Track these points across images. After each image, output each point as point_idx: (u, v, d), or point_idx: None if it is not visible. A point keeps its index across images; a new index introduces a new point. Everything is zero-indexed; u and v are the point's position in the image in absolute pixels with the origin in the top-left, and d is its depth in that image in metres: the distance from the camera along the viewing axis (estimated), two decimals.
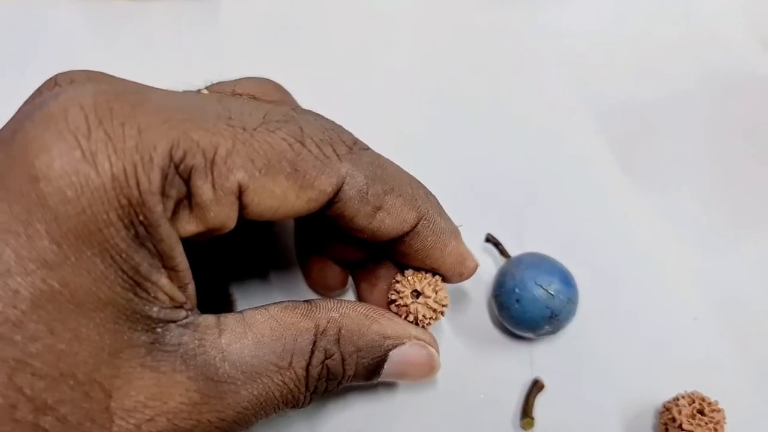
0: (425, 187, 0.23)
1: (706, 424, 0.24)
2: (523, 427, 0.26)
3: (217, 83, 0.24)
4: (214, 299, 0.27)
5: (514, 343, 0.28)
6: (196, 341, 0.19)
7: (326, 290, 0.27)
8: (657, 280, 0.29)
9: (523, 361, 0.28)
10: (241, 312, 0.21)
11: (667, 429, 0.25)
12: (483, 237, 0.29)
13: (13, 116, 0.19)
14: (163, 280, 0.18)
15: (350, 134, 0.22)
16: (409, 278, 0.24)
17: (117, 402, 0.17)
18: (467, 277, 0.24)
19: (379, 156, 0.22)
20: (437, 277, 0.24)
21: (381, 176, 0.21)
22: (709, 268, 0.30)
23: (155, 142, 0.17)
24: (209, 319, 0.20)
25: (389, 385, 0.27)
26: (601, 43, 0.36)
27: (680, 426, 0.24)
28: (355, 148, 0.21)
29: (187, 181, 0.18)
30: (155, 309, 0.18)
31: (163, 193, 0.17)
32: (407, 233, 0.22)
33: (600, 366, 0.28)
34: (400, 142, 0.24)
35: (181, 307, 0.19)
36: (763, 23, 0.36)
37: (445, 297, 0.24)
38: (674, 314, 0.29)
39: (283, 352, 0.20)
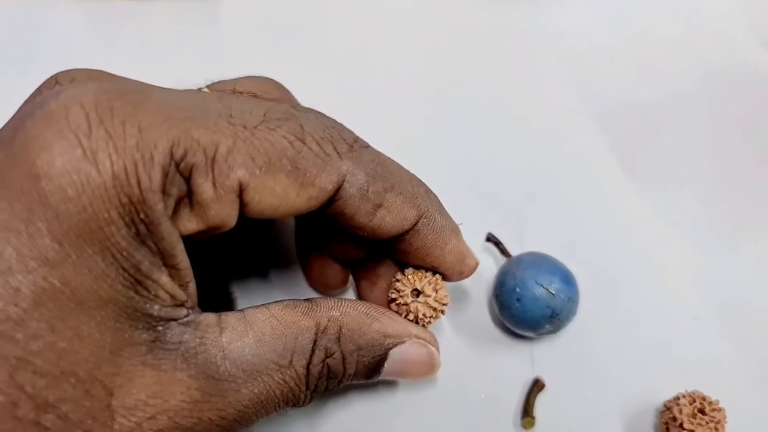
0: (425, 185, 0.23)
1: (707, 423, 0.24)
2: (524, 427, 0.26)
3: (218, 82, 0.24)
4: (215, 298, 0.27)
5: (515, 342, 0.28)
6: (197, 339, 0.19)
7: (327, 289, 0.28)
8: (657, 280, 0.29)
9: (523, 360, 0.28)
10: (242, 310, 0.21)
11: (667, 428, 0.25)
12: (483, 236, 0.29)
13: (14, 115, 0.19)
14: (164, 279, 0.18)
15: (351, 132, 0.22)
16: (409, 277, 0.24)
17: (118, 400, 0.17)
18: (467, 276, 0.24)
19: (379, 154, 0.22)
20: (437, 275, 0.24)
21: (381, 174, 0.21)
22: (709, 268, 0.30)
23: (156, 140, 0.17)
24: (210, 317, 0.20)
25: (390, 384, 0.27)
26: (601, 42, 0.36)
27: (681, 425, 0.24)
28: (355, 146, 0.21)
29: (187, 179, 0.18)
30: (156, 307, 0.18)
31: (164, 192, 0.17)
32: (407, 231, 0.22)
33: (601, 365, 0.28)
34: (400, 142, 0.24)
35: (182, 305, 0.19)
36: (762, 22, 0.36)
37: (445, 296, 0.24)
38: (674, 313, 0.29)
39: (284, 351, 0.20)
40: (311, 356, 0.21)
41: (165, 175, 0.17)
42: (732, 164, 0.32)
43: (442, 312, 0.24)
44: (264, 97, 0.22)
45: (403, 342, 0.22)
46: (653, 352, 0.28)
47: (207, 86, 0.24)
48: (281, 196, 0.19)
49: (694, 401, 0.25)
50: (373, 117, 0.25)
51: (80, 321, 0.17)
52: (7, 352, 0.16)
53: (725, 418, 0.25)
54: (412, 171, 0.23)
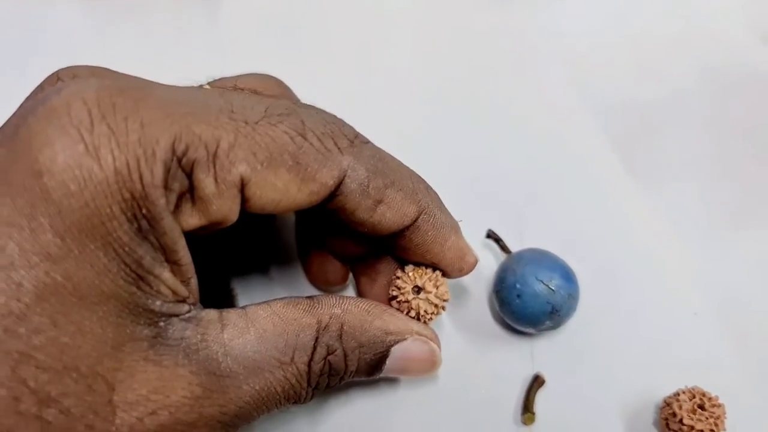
0: (425, 182, 0.23)
1: (707, 419, 0.24)
2: (524, 422, 0.26)
3: (219, 79, 0.24)
4: (215, 294, 0.27)
5: (515, 338, 0.28)
6: (198, 335, 0.19)
7: (327, 286, 0.28)
8: (657, 277, 0.29)
9: (524, 356, 0.28)
10: (243, 307, 0.21)
11: (667, 424, 0.25)
12: (483, 234, 0.29)
13: (16, 111, 0.19)
14: (166, 274, 0.18)
15: (351, 128, 0.22)
16: (409, 274, 0.24)
17: (120, 395, 0.18)
18: (467, 272, 0.24)
19: (380, 150, 0.22)
20: (437, 272, 0.24)
21: (382, 170, 0.21)
22: (709, 265, 0.30)
23: (158, 136, 0.17)
24: (212, 313, 0.20)
25: (391, 381, 0.27)
26: (601, 41, 0.36)
27: (681, 421, 0.25)
28: (356, 141, 0.21)
29: (189, 174, 0.18)
30: (158, 303, 0.18)
31: (166, 187, 0.17)
32: (408, 227, 0.22)
33: (601, 361, 0.28)
34: (400, 140, 0.24)
35: (183, 301, 0.19)
36: (762, 21, 0.36)
37: (446, 292, 0.24)
38: (674, 310, 0.29)
39: (286, 348, 0.20)
40: (313, 353, 0.21)
41: (167, 171, 0.17)
42: (732, 162, 0.32)
43: (443, 308, 0.24)
44: (265, 94, 0.22)
45: (405, 339, 0.22)
46: (653, 349, 0.28)
47: (208, 83, 0.24)
48: (282, 191, 0.19)
49: (694, 397, 0.25)
50: (373, 115, 0.25)
51: (82, 316, 0.17)
52: (9, 347, 0.16)
53: (725, 413, 0.25)
54: (412, 168, 0.23)
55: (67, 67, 0.20)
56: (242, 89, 0.23)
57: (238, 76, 0.24)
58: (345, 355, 0.21)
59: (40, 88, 0.20)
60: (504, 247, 0.29)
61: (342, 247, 0.26)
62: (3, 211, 0.16)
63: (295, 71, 0.27)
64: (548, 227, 0.30)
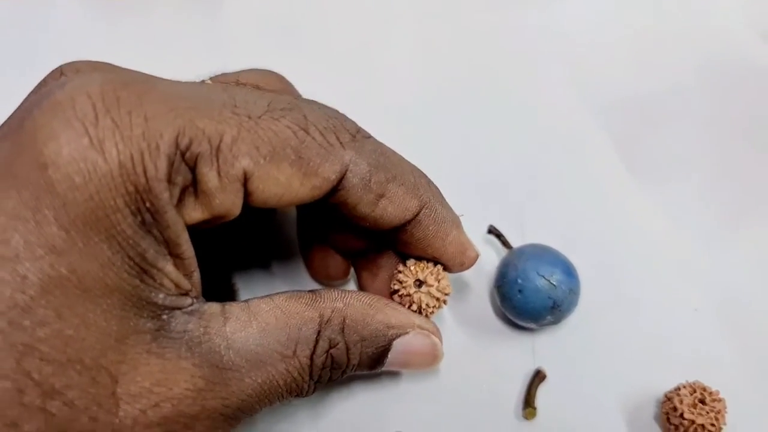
0: (427, 177, 0.23)
1: (708, 413, 0.24)
2: (526, 417, 0.26)
3: (221, 74, 0.24)
4: (217, 289, 0.27)
5: (517, 333, 0.28)
6: (201, 329, 0.19)
7: (328, 280, 0.28)
8: (658, 272, 0.29)
9: (525, 351, 0.28)
10: (245, 301, 0.21)
11: (668, 418, 0.25)
12: (485, 229, 0.29)
13: (20, 105, 0.19)
14: (169, 267, 0.18)
15: (353, 123, 0.22)
16: (411, 268, 0.24)
17: (123, 387, 0.18)
18: (468, 267, 0.24)
19: (381, 144, 0.22)
20: (439, 266, 0.24)
21: (384, 164, 0.21)
22: (709, 260, 0.30)
23: (162, 129, 0.17)
24: (214, 307, 0.20)
25: (392, 375, 0.27)
26: (600, 39, 0.36)
27: (681, 415, 0.25)
28: (358, 136, 0.21)
29: (192, 168, 0.18)
30: (161, 296, 0.18)
31: (170, 180, 0.17)
32: (409, 222, 0.22)
33: (602, 356, 0.28)
34: (402, 138, 0.24)
35: (186, 294, 0.19)
36: (762, 18, 0.36)
37: (447, 285, 0.24)
38: (675, 305, 0.29)
39: (288, 341, 0.20)
40: (315, 347, 0.21)
41: (170, 164, 0.17)
42: (733, 159, 0.32)
43: (445, 302, 0.24)
44: (267, 89, 0.22)
45: (407, 333, 0.23)
46: (654, 344, 0.28)
47: (209, 79, 0.24)
48: (285, 185, 0.20)
49: (695, 392, 0.25)
50: (375, 112, 0.25)
51: (86, 308, 0.17)
52: (14, 339, 0.16)
53: (725, 408, 0.25)
54: (414, 164, 0.23)
55: (70, 63, 0.20)
56: (244, 84, 0.23)
57: (239, 71, 0.25)
58: (347, 349, 0.21)
59: (44, 83, 0.20)
60: (505, 243, 0.29)
61: (344, 241, 0.26)
62: (8, 203, 0.16)
63: (297, 68, 0.27)
64: (549, 223, 0.30)
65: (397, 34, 0.36)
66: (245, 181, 0.19)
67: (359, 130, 0.22)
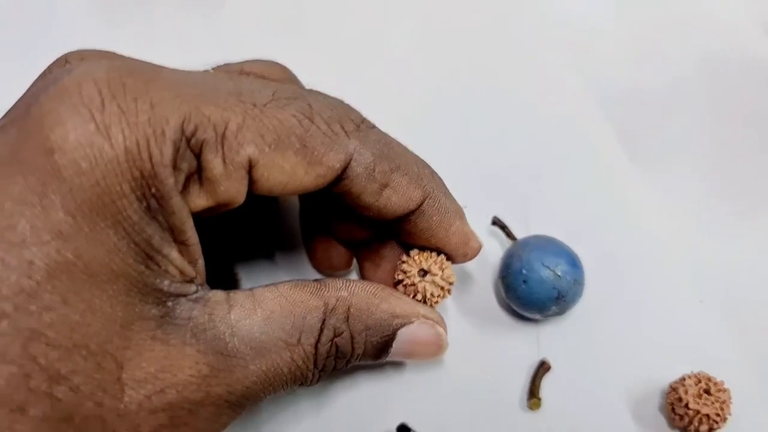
0: (430, 167, 0.23)
1: (713, 403, 0.24)
2: (530, 408, 0.26)
3: (224, 65, 0.24)
4: (219, 277, 0.27)
5: (521, 324, 0.28)
6: (205, 316, 0.19)
7: (331, 270, 0.28)
8: (663, 263, 0.29)
9: (529, 342, 0.28)
10: (250, 289, 0.21)
11: (673, 409, 0.25)
12: (489, 220, 0.29)
13: (26, 92, 0.20)
14: (174, 254, 0.18)
15: (358, 112, 0.22)
16: (415, 258, 0.24)
17: (128, 373, 0.18)
18: (471, 258, 0.24)
19: (385, 134, 0.22)
20: (442, 255, 0.24)
21: (388, 154, 0.21)
22: (714, 251, 0.30)
23: (167, 116, 0.17)
24: (219, 294, 0.20)
25: (396, 365, 0.27)
26: (605, 27, 0.36)
27: (686, 405, 0.25)
28: (362, 125, 0.21)
29: (198, 155, 0.18)
30: (166, 282, 0.18)
31: (175, 166, 0.17)
32: (413, 212, 0.22)
33: (606, 347, 0.28)
34: (406, 128, 0.24)
35: (191, 281, 0.19)
36: (765, 8, 0.36)
37: (451, 274, 0.24)
38: (680, 297, 0.29)
39: (292, 329, 0.20)
40: (320, 335, 0.21)
41: (176, 150, 0.17)
42: (737, 149, 0.32)
43: (449, 291, 0.24)
44: (271, 78, 0.22)
45: (411, 322, 0.23)
46: (659, 335, 0.28)
47: (213, 69, 0.24)
48: (290, 173, 0.20)
49: (700, 382, 0.25)
50: (378, 103, 0.25)
51: (92, 294, 0.17)
52: (20, 324, 0.16)
53: (730, 398, 0.25)
54: (417, 155, 0.23)
55: (75, 51, 0.21)
56: (248, 74, 0.23)
57: (243, 61, 0.25)
58: (352, 338, 0.21)
59: (49, 70, 0.20)
60: (509, 234, 0.29)
61: (347, 231, 0.26)
62: (15, 188, 0.16)
63: (300, 59, 0.27)
64: (553, 214, 0.30)
65: (399, 25, 0.36)
66: (250, 168, 0.19)
67: (363, 119, 0.22)
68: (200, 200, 0.19)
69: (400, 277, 0.24)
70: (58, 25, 0.36)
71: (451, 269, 0.24)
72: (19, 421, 0.16)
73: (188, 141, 0.18)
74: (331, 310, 0.21)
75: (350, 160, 0.21)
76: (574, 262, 0.26)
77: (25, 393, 0.16)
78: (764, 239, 0.30)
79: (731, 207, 0.31)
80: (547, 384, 0.27)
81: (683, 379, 0.25)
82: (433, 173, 0.23)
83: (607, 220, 0.30)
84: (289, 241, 0.29)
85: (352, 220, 0.24)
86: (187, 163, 0.18)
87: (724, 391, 0.25)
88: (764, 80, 0.34)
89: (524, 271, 0.26)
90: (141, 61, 0.20)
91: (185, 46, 0.35)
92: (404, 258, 0.24)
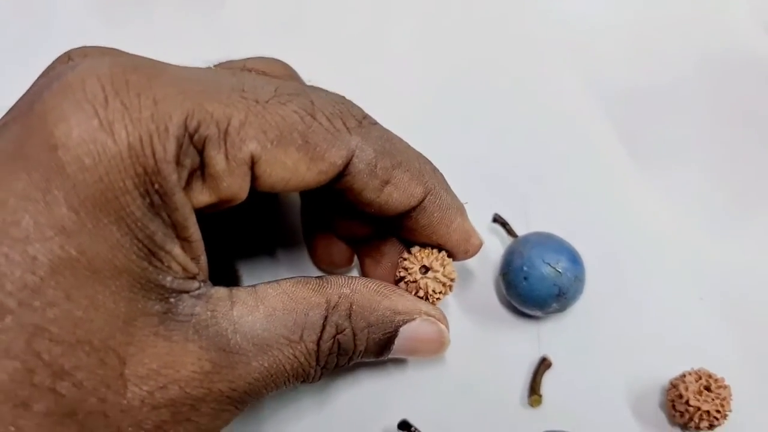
0: (432, 164, 0.23)
1: (713, 400, 0.25)
2: (531, 404, 0.27)
3: (226, 62, 0.24)
4: (220, 274, 0.27)
5: (522, 321, 0.28)
6: (208, 312, 0.19)
7: (332, 267, 0.28)
8: (663, 261, 0.30)
9: (530, 339, 0.28)
10: (253, 286, 0.21)
11: (674, 405, 0.25)
12: (489, 217, 0.30)
13: (30, 88, 0.20)
14: (177, 250, 0.18)
15: (359, 109, 0.22)
16: (416, 255, 0.24)
17: (131, 369, 0.18)
18: (472, 255, 0.24)
19: (387, 131, 0.22)
20: (443, 252, 0.24)
21: (389, 150, 0.22)
22: (714, 249, 0.30)
23: (170, 112, 0.17)
24: (221, 291, 0.20)
25: (398, 362, 0.27)
26: (605, 25, 0.36)
27: (687, 402, 0.25)
28: (364, 122, 0.21)
29: (201, 151, 0.18)
30: (169, 278, 0.18)
31: (178, 163, 0.17)
32: (414, 208, 0.22)
33: (607, 344, 0.28)
34: (407, 125, 0.24)
35: (193, 278, 0.19)
36: (765, 8, 0.36)
37: (453, 271, 0.24)
38: (680, 294, 0.29)
39: (295, 326, 0.20)
40: (322, 332, 0.21)
41: (179, 147, 0.17)
42: (737, 146, 0.32)
43: (451, 288, 0.24)
44: (273, 75, 0.23)
45: (413, 319, 0.23)
46: (659, 332, 0.28)
47: (215, 66, 0.24)
48: (292, 169, 0.20)
49: (700, 378, 0.25)
50: (380, 100, 0.25)
51: (96, 290, 0.17)
52: (24, 320, 0.16)
53: (731, 395, 0.25)
54: (419, 151, 0.24)
55: (78, 48, 0.21)
56: (250, 71, 0.23)
57: (245, 59, 0.25)
58: (354, 335, 0.22)
59: (52, 67, 0.21)
60: (510, 231, 0.29)
61: (348, 228, 0.26)
62: (18, 185, 0.16)
63: (300, 59, 0.27)
64: (554, 212, 0.31)
65: (400, 22, 0.36)
66: (252, 165, 0.19)
67: (365, 116, 0.22)
68: (203, 196, 0.19)
69: (402, 274, 0.24)
70: (58, 25, 0.36)
71: (452, 266, 0.24)
72: (23, 417, 0.16)
73: (191, 137, 0.18)
74: (334, 307, 0.21)
75: (352, 156, 0.21)
76: (574, 259, 0.26)
77: (29, 388, 0.16)
78: (764, 237, 0.30)
79: (731, 205, 0.31)
80: (547, 381, 0.27)
81: (683, 375, 0.26)
82: (434, 169, 0.23)
83: (608, 217, 0.30)
84: (290, 238, 0.29)
85: (353, 216, 0.24)
86: (190, 160, 0.18)
87: (725, 387, 0.25)
88: (764, 80, 0.34)
89: (525, 268, 0.26)
90: (144, 58, 0.20)
91: (185, 45, 0.35)
92: (405, 255, 0.24)
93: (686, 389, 0.25)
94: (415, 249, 0.24)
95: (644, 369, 0.27)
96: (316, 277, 0.22)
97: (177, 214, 0.18)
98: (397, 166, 0.22)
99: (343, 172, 0.21)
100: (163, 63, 0.19)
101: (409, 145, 0.23)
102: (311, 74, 0.27)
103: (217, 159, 0.18)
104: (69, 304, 0.17)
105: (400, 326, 0.22)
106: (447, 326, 0.24)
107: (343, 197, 0.22)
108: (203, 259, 0.20)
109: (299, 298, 0.21)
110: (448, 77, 0.34)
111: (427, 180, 0.22)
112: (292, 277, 0.22)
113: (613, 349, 0.28)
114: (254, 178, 0.19)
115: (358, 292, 0.22)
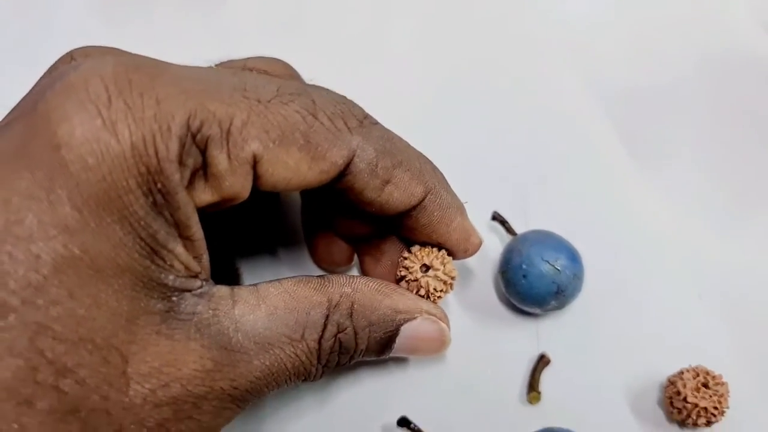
0: (432, 163, 0.24)
1: (711, 397, 0.25)
2: (530, 401, 0.27)
3: (228, 61, 0.24)
4: (221, 272, 0.27)
5: (521, 319, 0.28)
6: (210, 311, 0.19)
7: (332, 266, 0.28)
8: (662, 259, 0.30)
9: (529, 336, 0.28)
10: (254, 284, 0.21)
11: (672, 402, 0.25)
12: (489, 216, 0.30)
13: (33, 88, 0.20)
14: (179, 249, 0.18)
15: (361, 108, 0.22)
16: (416, 253, 0.24)
17: (133, 367, 0.18)
18: (472, 254, 0.25)
19: (388, 130, 0.22)
20: (443, 251, 0.24)
21: (390, 150, 0.22)
22: (713, 247, 0.30)
23: (173, 111, 0.17)
24: (223, 290, 0.20)
25: (399, 360, 0.28)
26: (605, 24, 0.36)
27: (685, 399, 0.25)
28: (365, 122, 0.21)
29: (203, 151, 0.18)
30: (171, 277, 0.18)
31: (181, 162, 0.18)
32: (414, 207, 0.23)
33: (606, 341, 0.28)
34: (407, 125, 0.24)
35: (195, 276, 0.19)
36: (765, 8, 0.36)
37: (453, 269, 0.24)
38: (679, 292, 0.29)
39: (296, 325, 0.20)
40: (323, 331, 0.21)
41: (182, 146, 0.17)
42: (737, 145, 0.33)
43: (451, 286, 0.24)
44: (275, 74, 0.23)
45: (414, 318, 0.23)
46: (658, 329, 0.28)
47: (217, 65, 0.24)
48: (294, 169, 0.20)
49: (698, 375, 0.25)
50: (380, 100, 0.25)
51: (98, 288, 0.17)
52: (27, 318, 0.16)
53: (728, 392, 0.25)
54: (419, 150, 0.24)
55: (80, 48, 0.21)
56: (252, 70, 0.23)
57: (247, 58, 0.25)
58: (355, 334, 0.22)
59: (54, 67, 0.21)
60: (509, 229, 0.29)
61: (348, 227, 0.26)
62: (22, 184, 0.17)
63: (301, 58, 0.28)
64: (553, 210, 0.31)
65: (399, 24, 0.36)
66: (254, 164, 0.19)
67: (366, 116, 0.22)
68: (205, 195, 0.19)
69: (403, 273, 0.24)
70: (58, 25, 0.36)
71: (452, 264, 0.24)
72: (26, 414, 0.16)
73: (194, 137, 0.18)
74: (335, 306, 0.21)
75: (353, 155, 0.21)
76: (573, 257, 0.26)
77: (32, 386, 0.16)
78: (763, 236, 0.30)
79: (730, 204, 0.31)
80: (546, 378, 0.27)
81: (681, 372, 0.26)
82: (434, 169, 0.24)
83: (607, 216, 0.31)
84: (290, 237, 0.29)
85: (353, 215, 0.25)
86: (193, 159, 0.18)
87: (722, 384, 0.25)
88: (764, 80, 0.34)
89: (524, 266, 0.26)
90: (146, 57, 0.20)
91: (186, 45, 0.35)
92: (406, 254, 0.24)
93: (684, 386, 0.25)
94: (416, 248, 0.24)
95: (642, 366, 0.27)
96: (317, 276, 0.22)
97: (179, 213, 0.18)
98: (397, 166, 0.22)
99: (344, 171, 0.21)
100: (165, 62, 0.20)
101: (409, 145, 0.23)
102: (311, 74, 0.27)
103: (219, 158, 0.18)
104: (72, 303, 0.17)
105: (402, 325, 0.22)
106: (448, 325, 0.24)
107: (344, 196, 0.22)
108: (205, 257, 0.20)
109: (301, 297, 0.21)
110: (448, 77, 0.34)
111: (428, 179, 0.23)
112: (293, 276, 0.22)
113: (611, 346, 0.28)
114: (256, 177, 0.19)
115: (360, 291, 0.22)
